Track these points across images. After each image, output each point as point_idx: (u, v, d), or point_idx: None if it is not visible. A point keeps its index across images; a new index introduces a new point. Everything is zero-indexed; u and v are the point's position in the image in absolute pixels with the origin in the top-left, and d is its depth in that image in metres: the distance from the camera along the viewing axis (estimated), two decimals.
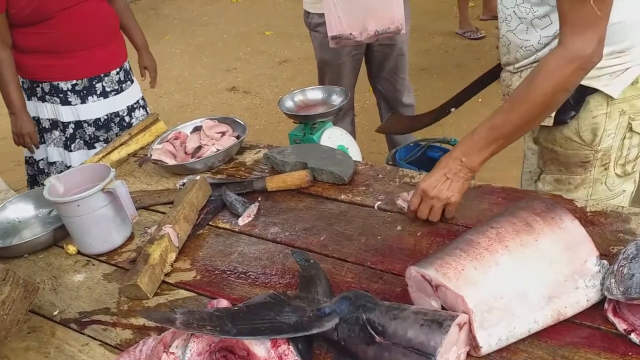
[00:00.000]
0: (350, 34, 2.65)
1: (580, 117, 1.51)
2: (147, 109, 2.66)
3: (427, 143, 2.88)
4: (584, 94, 1.48)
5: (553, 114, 1.51)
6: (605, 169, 1.58)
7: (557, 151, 1.60)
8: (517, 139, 1.39)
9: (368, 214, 1.49)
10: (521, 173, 1.90)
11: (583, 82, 1.42)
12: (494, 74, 1.82)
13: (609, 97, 1.48)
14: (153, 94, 5.31)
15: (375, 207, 1.50)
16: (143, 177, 1.87)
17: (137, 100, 2.60)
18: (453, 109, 1.54)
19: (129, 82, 2.56)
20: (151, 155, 1.87)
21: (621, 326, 1.02)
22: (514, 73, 1.60)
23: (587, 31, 1.24)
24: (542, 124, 1.53)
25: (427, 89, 4.52)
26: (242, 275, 1.35)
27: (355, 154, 2.47)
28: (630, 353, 0.99)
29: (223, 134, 1.92)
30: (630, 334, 1.00)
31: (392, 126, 1.64)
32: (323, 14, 2.80)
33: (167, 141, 1.94)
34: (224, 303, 1.16)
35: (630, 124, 1.52)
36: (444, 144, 2.88)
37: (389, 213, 1.47)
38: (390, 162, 2.83)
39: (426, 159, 2.84)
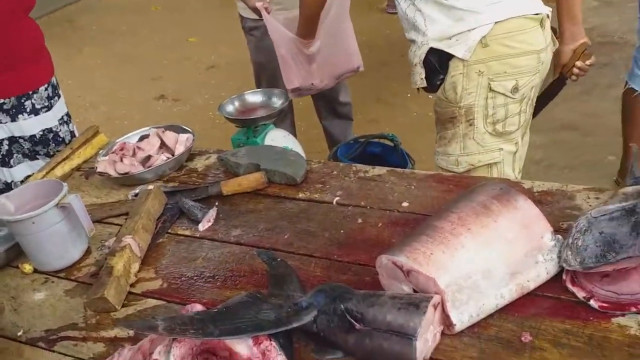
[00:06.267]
0: (312, 83, 2.62)
1: (446, 80, 1.81)
2: (70, 125, 2.57)
3: (366, 140, 2.95)
4: (444, 58, 1.79)
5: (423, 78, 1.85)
6: (471, 125, 1.84)
7: (437, 111, 1.92)
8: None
9: (328, 210, 1.52)
10: None
11: (442, 48, 1.78)
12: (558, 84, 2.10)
13: (464, 59, 1.75)
14: (78, 107, 5.15)
15: (334, 203, 1.54)
16: (92, 191, 1.83)
17: (62, 116, 2.52)
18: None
19: (56, 98, 2.48)
20: (97, 167, 1.83)
21: (580, 294, 1.10)
22: None
23: None
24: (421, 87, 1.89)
25: (352, 87, 4.60)
26: (210, 279, 1.36)
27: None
28: (591, 318, 1.07)
29: None
30: (589, 300, 1.08)
31: None
32: (257, 18, 2.82)
33: (112, 152, 1.91)
34: (198, 307, 1.16)
35: (490, 84, 1.77)
36: (382, 139, 2.96)
37: (349, 207, 1.51)
38: (332, 160, 2.88)
39: (367, 154, 2.91)
